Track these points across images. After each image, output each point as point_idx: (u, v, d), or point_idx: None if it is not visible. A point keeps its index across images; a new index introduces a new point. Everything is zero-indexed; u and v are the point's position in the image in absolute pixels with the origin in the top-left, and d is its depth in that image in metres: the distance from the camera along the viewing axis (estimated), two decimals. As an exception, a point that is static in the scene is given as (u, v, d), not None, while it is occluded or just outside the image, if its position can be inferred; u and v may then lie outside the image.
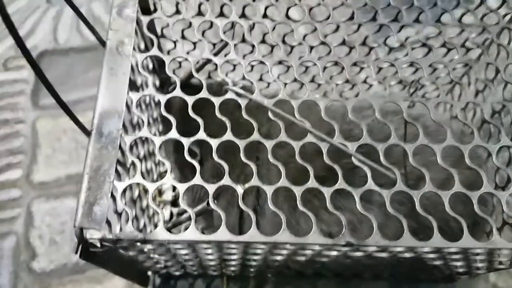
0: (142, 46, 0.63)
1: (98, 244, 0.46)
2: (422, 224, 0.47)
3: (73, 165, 0.98)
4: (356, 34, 0.67)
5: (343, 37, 0.61)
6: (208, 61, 0.58)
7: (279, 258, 0.62)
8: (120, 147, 0.49)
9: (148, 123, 0.51)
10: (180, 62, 0.79)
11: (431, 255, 0.56)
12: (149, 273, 0.85)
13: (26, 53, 0.39)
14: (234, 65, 0.81)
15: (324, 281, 0.87)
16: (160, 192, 0.92)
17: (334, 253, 0.55)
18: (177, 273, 0.85)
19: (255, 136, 0.50)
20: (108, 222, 0.45)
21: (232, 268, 0.79)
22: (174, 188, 0.92)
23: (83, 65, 1.09)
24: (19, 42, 0.38)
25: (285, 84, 0.84)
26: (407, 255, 0.55)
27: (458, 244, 0.46)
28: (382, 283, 0.87)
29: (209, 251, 0.57)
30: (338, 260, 0.64)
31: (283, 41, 0.74)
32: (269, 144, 0.50)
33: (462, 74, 0.78)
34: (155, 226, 0.73)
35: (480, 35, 0.66)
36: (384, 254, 0.56)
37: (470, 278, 0.84)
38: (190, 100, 0.52)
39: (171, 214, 0.91)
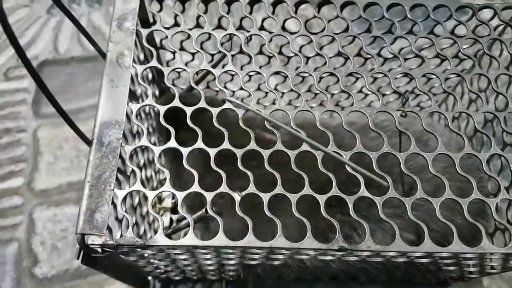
0: (142, 57, 0.64)
1: (99, 250, 0.47)
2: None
3: (74, 172, 0.99)
4: (351, 45, 0.68)
5: (338, 48, 0.61)
6: (207, 72, 0.59)
7: (277, 263, 0.62)
8: (121, 156, 0.50)
9: (148, 132, 0.52)
10: (179, 72, 0.79)
11: (424, 260, 0.57)
12: (149, 277, 0.86)
13: (26, 62, 0.39)
14: (232, 75, 0.82)
15: (321, 284, 0.87)
16: (160, 199, 0.93)
17: (329, 257, 0.56)
18: (177, 278, 0.86)
19: (252, 145, 0.51)
20: (109, 229, 0.46)
21: (231, 273, 0.79)
22: (173, 195, 0.93)
23: (83, 75, 1.10)
24: (20, 52, 0.39)
25: (282, 93, 0.84)
26: (400, 259, 0.56)
27: (448, 249, 0.47)
28: (377, 287, 0.88)
29: (208, 256, 0.58)
30: (335, 265, 0.65)
31: (280, 52, 0.75)
32: (266, 153, 0.50)
33: (456, 84, 0.79)
34: (155, 232, 0.73)
35: (472, 46, 0.66)
36: (378, 259, 0.56)
37: (464, 282, 0.85)
38: (188, 110, 0.52)
39: (171, 221, 0.92)
